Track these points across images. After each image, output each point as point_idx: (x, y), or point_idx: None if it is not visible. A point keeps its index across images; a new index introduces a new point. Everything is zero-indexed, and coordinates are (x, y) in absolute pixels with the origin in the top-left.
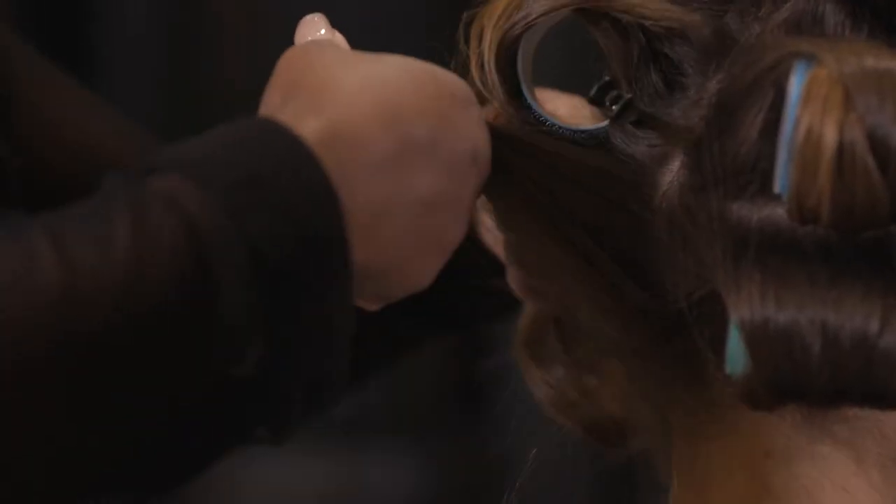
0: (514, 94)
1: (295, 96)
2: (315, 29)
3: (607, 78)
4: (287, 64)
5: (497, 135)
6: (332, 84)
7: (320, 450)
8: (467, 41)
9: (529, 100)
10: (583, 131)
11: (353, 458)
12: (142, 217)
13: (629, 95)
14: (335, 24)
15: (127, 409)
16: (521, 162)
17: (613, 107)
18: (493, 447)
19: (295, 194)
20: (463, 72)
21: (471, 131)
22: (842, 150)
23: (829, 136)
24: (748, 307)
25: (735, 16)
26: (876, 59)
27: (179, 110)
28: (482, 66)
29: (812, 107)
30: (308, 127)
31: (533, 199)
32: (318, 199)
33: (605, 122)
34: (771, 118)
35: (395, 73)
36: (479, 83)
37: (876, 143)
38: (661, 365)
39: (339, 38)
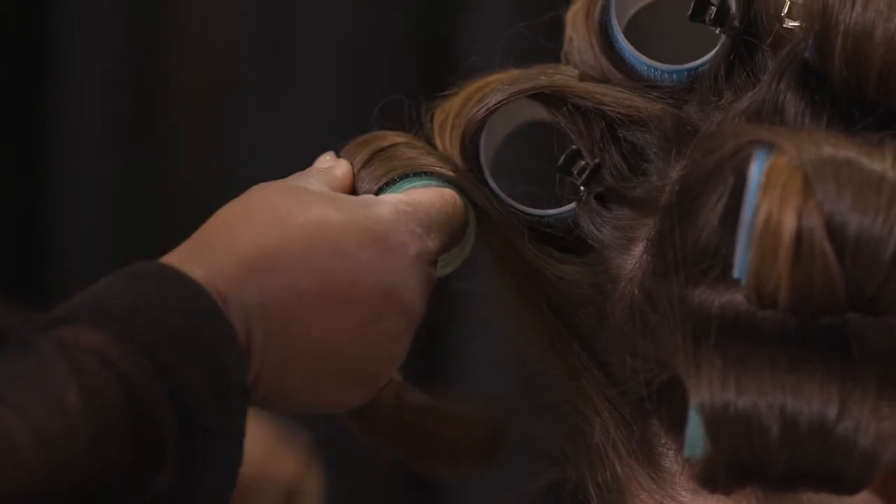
0: (479, 182)
1: (203, 234)
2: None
3: (574, 147)
4: (246, 194)
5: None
6: (231, 226)
7: None
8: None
9: (493, 187)
10: (548, 215)
11: None
12: (86, 379)
13: (597, 160)
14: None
15: None
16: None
17: (581, 176)
18: None
19: (206, 347)
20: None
21: (384, 271)
22: (800, 236)
23: (788, 223)
24: (708, 391)
25: (696, 105)
26: (834, 148)
27: (134, 211)
28: (447, 154)
29: (771, 193)
30: (194, 273)
31: (510, 279)
32: (224, 349)
33: (572, 205)
34: (731, 205)
35: (298, 217)
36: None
37: (834, 230)
38: (624, 445)
39: (341, 164)
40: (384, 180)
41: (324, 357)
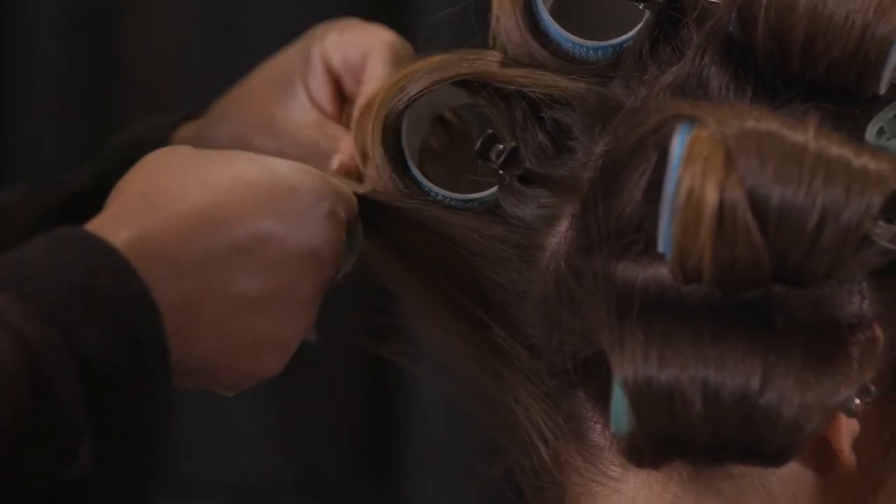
0: (401, 169)
1: (121, 202)
2: None
3: (490, 131)
4: (141, 164)
5: (381, 205)
6: (152, 191)
7: None
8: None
9: (416, 174)
10: (472, 199)
11: None
12: None
13: (513, 143)
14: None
15: None
16: (405, 232)
17: (499, 159)
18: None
19: (115, 306)
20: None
21: (310, 230)
22: (722, 209)
23: (710, 196)
24: (631, 366)
25: (621, 81)
26: (757, 121)
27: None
28: (367, 146)
29: (693, 167)
30: (119, 236)
31: (419, 268)
32: (136, 309)
33: (494, 189)
34: (654, 179)
35: (223, 177)
36: (362, 164)
37: (756, 203)
38: (552, 424)
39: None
40: None
41: (253, 318)
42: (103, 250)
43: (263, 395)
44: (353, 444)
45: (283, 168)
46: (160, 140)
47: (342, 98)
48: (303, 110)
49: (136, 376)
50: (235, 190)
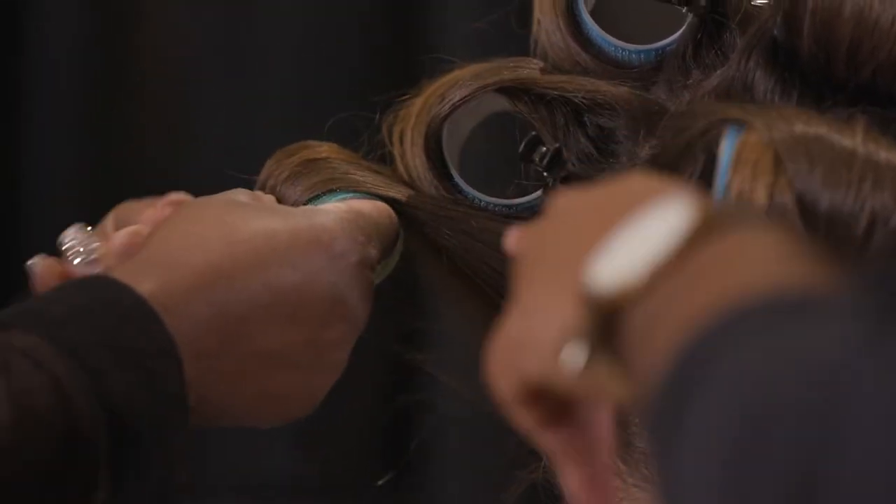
0: (444, 176)
1: (147, 251)
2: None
3: (533, 133)
4: (172, 217)
5: (424, 211)
6: (175, 243)
7: None
8: (391, 139)
9: (458, 181)
10: (516, 205)
11: None
12: (15, 379)
13: (557, 145)
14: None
15: None
16: (448, 238)
17: (543, 161)
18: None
19: (143, 358)
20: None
21: (333, 280)
22: (772, 213)
23: (760, 200)
24: None
25: (664, 85)
26: (805, 125)
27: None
28: (407, 154)
29: (742, 171)
30: (144, 287)
31: (461, 274)
32: (162, 363)
33: (538, 193)
34: (703, 183)
35: (244, 230)
36: (403, 172)
37: (805, 207)
38: None
39: (267, 199)
40: (314, 192)
41: (274, 370)
42: (133, 300)
43: None
44: (373, 446)
45: (309, 219)
46: None
47: None
48: None
49: (155, 427)
50: (254, 243)
